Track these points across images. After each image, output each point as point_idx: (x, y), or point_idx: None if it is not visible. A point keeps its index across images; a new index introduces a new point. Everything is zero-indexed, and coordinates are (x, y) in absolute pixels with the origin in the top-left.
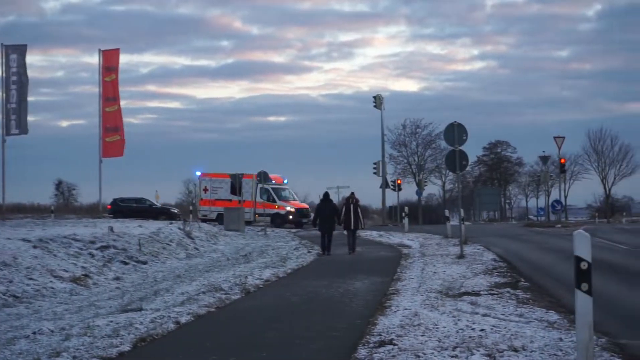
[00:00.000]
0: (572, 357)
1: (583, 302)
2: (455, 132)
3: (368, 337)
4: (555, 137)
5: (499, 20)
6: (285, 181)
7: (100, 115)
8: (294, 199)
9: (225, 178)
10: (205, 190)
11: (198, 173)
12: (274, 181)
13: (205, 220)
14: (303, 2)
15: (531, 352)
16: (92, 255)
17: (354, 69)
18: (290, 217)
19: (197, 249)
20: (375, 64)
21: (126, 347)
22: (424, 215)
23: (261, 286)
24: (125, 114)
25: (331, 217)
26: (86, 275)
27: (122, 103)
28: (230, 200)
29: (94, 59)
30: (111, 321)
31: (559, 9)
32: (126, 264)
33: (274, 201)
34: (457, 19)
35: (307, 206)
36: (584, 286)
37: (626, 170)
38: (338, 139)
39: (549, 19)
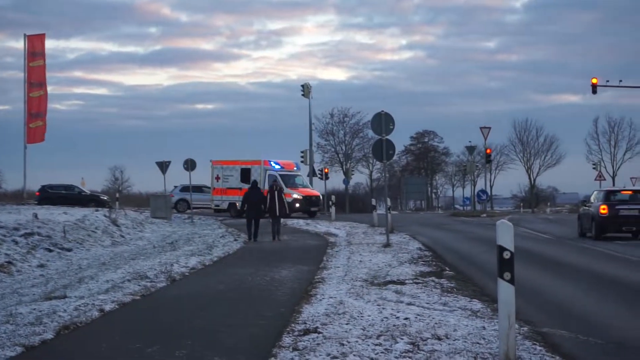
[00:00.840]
0: (494, 346)
1: (505, 291)
2: (383, 122)
3: (293, 325)
4: (481, 128)
5: (427, 10)
6: (296, 167)
7: (25, 101)
8: (305, 186)
9: (237, 165)
10: (217, 178)
11: (210, 161)
12: (283, 167)
13: (218, 210)
14: None
15: (454, 340)
16: (16, 242)
17: (283, 58)
18: (297, 205)
19: (123, 236)
20: (304, 53)
21: (49, 335)
22: (351, 204)
23: (187, 274)
24: (51, 100)
25: (258, 205)
26: (9, 262)
27: (48, 89)
28: (240, 188)
29: (20, 44)
30: (34, 309)
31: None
32: (50, 251)
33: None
34: (386, 8)
35: (317, 193)
36: (507, 275)
37: (551, 161)
38: (266, 127)
39: (476, 10)
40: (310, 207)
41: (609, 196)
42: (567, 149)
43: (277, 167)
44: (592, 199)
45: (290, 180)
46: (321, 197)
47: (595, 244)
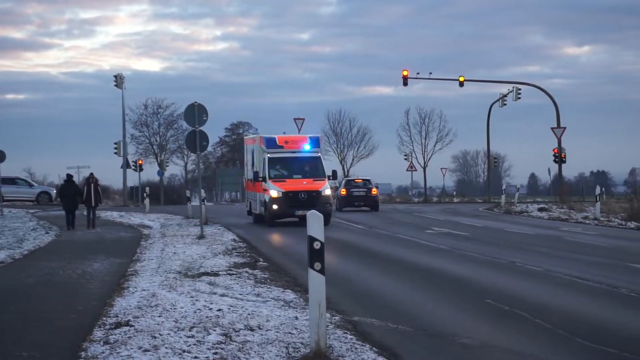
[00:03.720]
0: (306, 335)
1: (316, 281)
2: (196, 113)
3: (104, 318)
4: (295, 119)
5: (241, 2)
6: (310, 144)
7: None
8: (316, 176)
9: (248, 144)
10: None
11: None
12: (283, 145)
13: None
14: None
15: (267, 330)
16: None
17: (95, 47)
18: (274, 206)
19: None
20: (117, 43)
21: None
22: (165, 196)
23: None
24: None
25: (74, 197)
26: None
27: None
28: (249, 179)
29: None
30: None
31: None
32: None
33: (264, 180)
34: None
35: (315, 187)
36: (317, 265)
37: (364, 152)
38: (79, 118)
39: (291, 2)
40: (295, 208)
41: (348, 183)
42: (380, 140)
43: (275, 146)
44: (341, 185)
45: (285, 166)
46: (326, 191)
47: (349, 216)
